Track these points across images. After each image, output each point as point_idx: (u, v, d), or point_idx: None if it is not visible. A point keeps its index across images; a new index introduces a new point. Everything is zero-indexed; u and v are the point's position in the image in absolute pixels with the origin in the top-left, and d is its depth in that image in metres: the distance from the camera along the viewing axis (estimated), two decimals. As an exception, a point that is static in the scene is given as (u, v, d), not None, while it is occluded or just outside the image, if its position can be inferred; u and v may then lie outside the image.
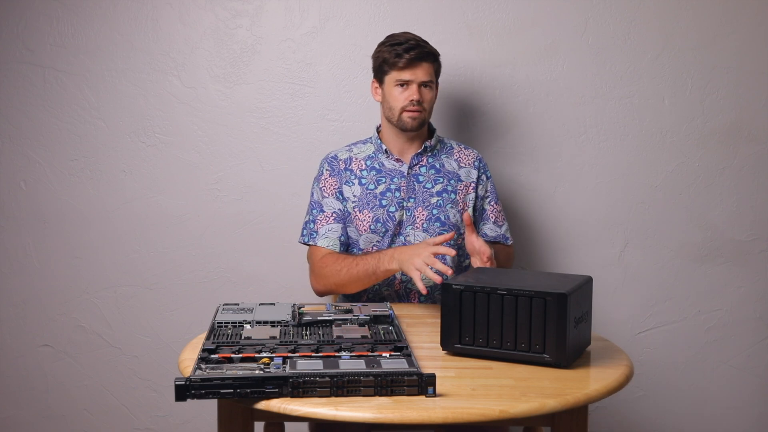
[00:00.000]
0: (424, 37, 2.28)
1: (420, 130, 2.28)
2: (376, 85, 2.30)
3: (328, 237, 2.24)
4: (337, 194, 2.27)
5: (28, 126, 2.66)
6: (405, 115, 2.23)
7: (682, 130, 2.67)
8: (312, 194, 2.32)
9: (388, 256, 2.08)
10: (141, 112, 2.65)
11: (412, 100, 2.21)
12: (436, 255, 1.95)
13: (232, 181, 2.67)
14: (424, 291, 1.94)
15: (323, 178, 2.30)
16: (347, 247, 2.28)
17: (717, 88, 2.65)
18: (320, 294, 2.25)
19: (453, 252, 1.95)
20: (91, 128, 2.66)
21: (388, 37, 2.28)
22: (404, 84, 2.22)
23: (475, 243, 2.08)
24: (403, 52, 2.20)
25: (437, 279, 1.86)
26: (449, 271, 1.87)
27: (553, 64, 2.64)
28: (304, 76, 2.64)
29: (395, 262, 2.06)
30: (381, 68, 2.26)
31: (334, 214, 2.26)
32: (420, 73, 2.21)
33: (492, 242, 2.36)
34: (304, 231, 2.29)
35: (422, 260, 1.95)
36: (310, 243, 2.26)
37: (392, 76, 2.23)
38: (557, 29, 2.63)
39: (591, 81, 2.64)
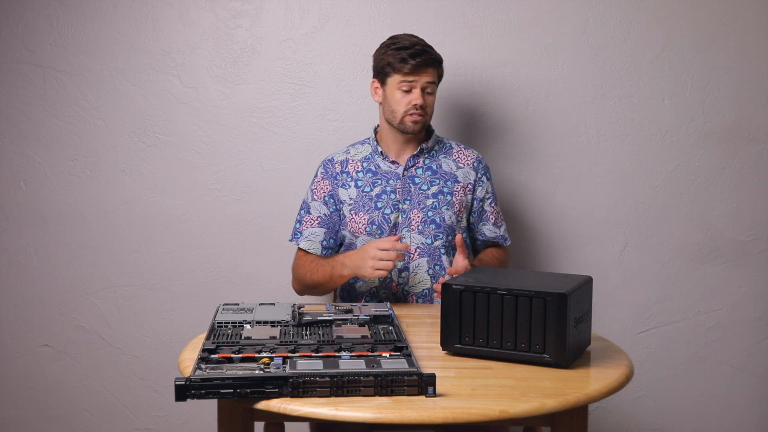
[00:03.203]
0: (424, 38, 2.28)
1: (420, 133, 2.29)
2: (377, 85, 2.28)
3: (310, 240, 2.27)
4: (326, 199, 2.28)
5: (28, 126, 2.66)
6: (407, 119, 2.22)
7: (682, 130, 2.67)
8: (306, 194, 2.34)
9: (339, 263, 2.14)
10: (141, 112, 2.65)
11: (416, 104, 2.20)
12: (382, 249, 2.02)
13: (232, 181, 2.67)
14: (400, 255, 2.05)
15: (316, 180, 2.32)
16: (336, 250, 2.30)
17: (717, 88, 2.65)
18: (298, 293, 2.32)
19: (396, 241, 2.03)
20: (91, 128, 2.66)
21: (391, 38, 2.26)
22: (407, 88, 2.21)
23: (459, 264, 2.11)
24: (408, 58, 2.18)
25: (400, 253, 2.05)
26: (406, 246, 2.08)
27: (553, 64, 2.64)
28: (304, 76, 2.64)
29: (346, 269, 2.11)
30: (384, 70, 2.24)
31: (318, 219, 2.28)
32: (424, 79, 2.21)
33: (491, 242, 2.38)
34: (293, 229, 2.32)
35: (371, 260, 2.02)
36: (294, 242, 2.30)
37: (395, 79, 2.21)
38: (557, 29, 2.63)
39: (591, 81, 2.64)
